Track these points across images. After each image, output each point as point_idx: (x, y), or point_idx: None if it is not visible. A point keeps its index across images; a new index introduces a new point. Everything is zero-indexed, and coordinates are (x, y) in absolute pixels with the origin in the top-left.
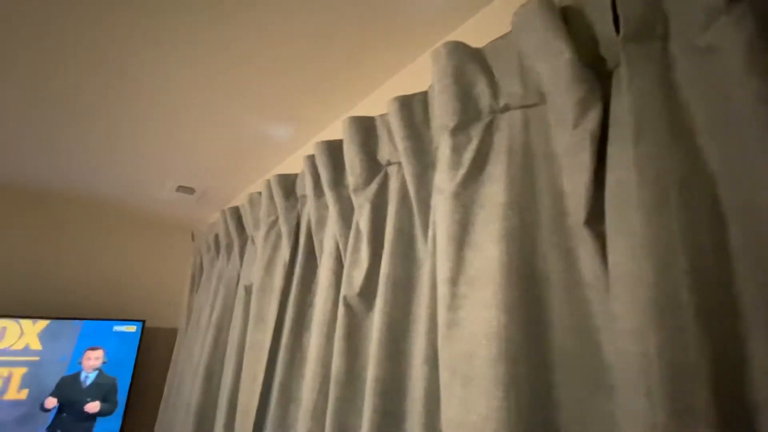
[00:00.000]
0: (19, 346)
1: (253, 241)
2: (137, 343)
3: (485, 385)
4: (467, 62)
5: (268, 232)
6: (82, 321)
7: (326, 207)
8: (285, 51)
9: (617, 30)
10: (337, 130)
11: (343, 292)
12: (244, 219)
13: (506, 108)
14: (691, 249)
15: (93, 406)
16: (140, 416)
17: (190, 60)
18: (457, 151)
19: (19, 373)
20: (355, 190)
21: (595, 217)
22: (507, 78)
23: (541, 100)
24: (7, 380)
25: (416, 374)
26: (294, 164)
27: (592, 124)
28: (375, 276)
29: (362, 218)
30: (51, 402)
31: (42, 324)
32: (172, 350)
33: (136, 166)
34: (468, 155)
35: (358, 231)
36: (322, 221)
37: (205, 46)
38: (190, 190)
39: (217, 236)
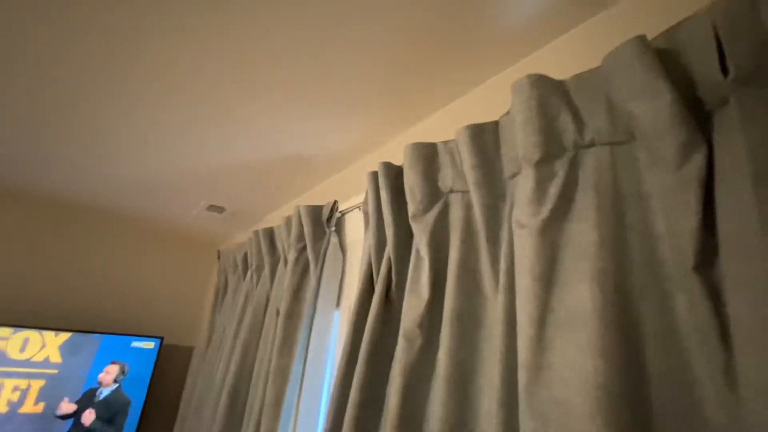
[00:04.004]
0: (40, 357)
1: (286, 262)
2: (154, 360)
3: None
4: (551, 94)
5: (297, 257)
6: (102, 335)
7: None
8: (332, 66)
9: (724, 72)
10: (381, 158)
11: (402, 324)
12: (277, 240)
13: (591, 143)
14: None
15: (88, 415)
16: None
17: (235, 75)
18: (541, 184)
19: (37, 385)
20: (414, 216)
21: (705, 263)
22: (593, 114)
23: (629, 139)
24: (25, 392)
25: (487, 417)
26: (330, 188)
27: (698, 167)
28: (436, 308)
29: (422, 246)
30: (68, 407)
31: (64, 336)
32: (186, 369)
33: (170, 183)
34: (553, 190)
35: (418, 258)
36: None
37: (250, 59)
38: (220, 210)
39: (246, 255)
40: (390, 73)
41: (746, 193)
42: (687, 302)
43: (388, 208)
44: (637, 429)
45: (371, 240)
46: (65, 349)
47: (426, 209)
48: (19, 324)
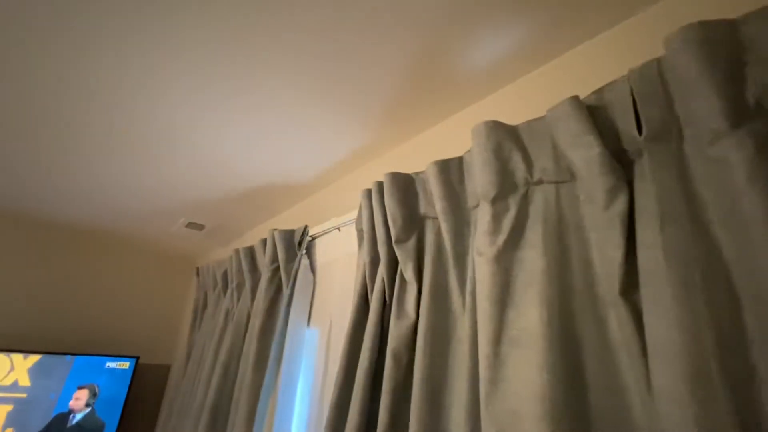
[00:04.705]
0: (8, 381)
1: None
2: (129, 380)
3: None
4: (505, 139)
5: (271, 277)
6: (75, 356)
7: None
8: (318, 94)
9: (639, 129)
10: (358, 180)
11: (389, 345)
12: (258, 259)
13: (540, 182)
14: (715, 326)
15: None
16: None
17: (221, 96)
18: (497, 218)
19: (4, 410)
20: (397, 242)
21: (629, 289)
22: (540, 156)
23: (571, 178)
24: None
25: (456, 427)
26: (308, 209)
27: (622, 208)
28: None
29: (407, 271)
30: None
31: (33, 359)
32: (162, 389)
33: (149, 199)
34: (507, 222)
35: (403, 281)
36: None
37: (239, 82)
38: (199, 227)
39: (225, 273)
40: (369, 107)
41: (655, 232)
42: (617, 322)
43: (382, 229)
44: (578, 430)
45: (365, 257)
46: (35, 371)
47: (407, 236)
48: None
